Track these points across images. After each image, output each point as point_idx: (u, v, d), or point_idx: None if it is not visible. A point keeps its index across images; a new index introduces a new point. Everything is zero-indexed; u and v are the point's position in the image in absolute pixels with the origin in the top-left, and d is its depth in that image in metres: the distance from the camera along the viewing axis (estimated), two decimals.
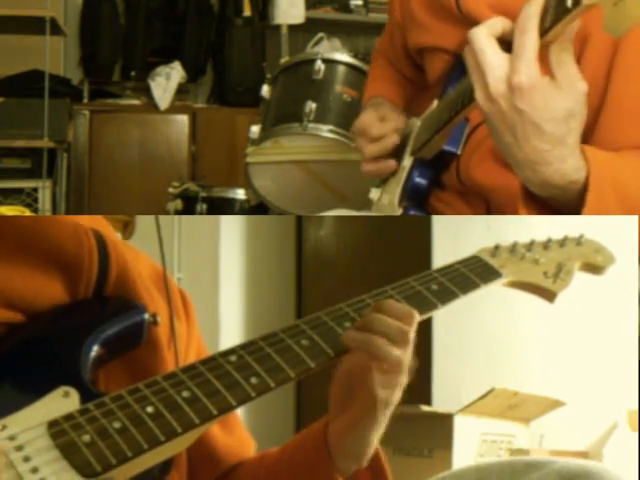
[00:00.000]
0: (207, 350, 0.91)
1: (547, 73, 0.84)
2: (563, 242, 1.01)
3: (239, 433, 0.90)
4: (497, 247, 0.95)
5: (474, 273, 0.89)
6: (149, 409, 0.61)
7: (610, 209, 0.91)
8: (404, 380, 0.73)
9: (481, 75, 0.84)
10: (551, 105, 0.82)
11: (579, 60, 1.00)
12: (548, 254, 0.98)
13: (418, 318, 0.75)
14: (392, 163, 1.31)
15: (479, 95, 0.86)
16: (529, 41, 0.81)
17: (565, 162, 0.87)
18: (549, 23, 0.80)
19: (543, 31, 0.81)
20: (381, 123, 1.33)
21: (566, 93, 0.83)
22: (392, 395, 0.73)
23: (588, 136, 1.03)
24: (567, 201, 0.91)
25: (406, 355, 0.72)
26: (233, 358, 0.67)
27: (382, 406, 0.73)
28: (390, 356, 0.72)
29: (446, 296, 0.83)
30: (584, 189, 0.88)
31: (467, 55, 0.87)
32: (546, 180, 0.88)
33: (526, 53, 0.81)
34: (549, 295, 0.94)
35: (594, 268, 1.00)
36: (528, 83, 0.81)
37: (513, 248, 0.97)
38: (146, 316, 0.76)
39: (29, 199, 3.79)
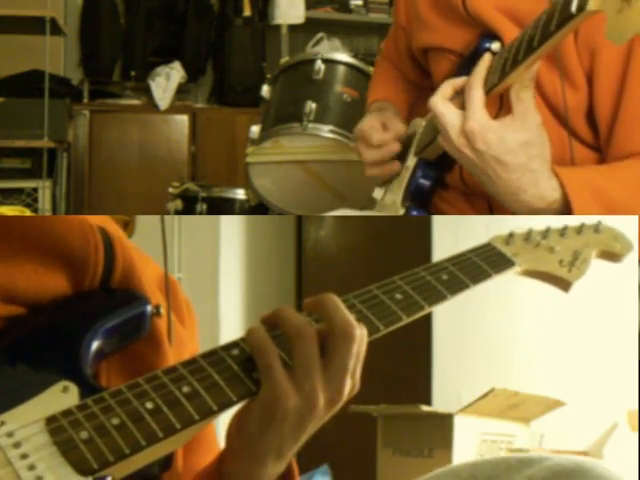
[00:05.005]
0: None
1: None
2: (580, 229, 0.97)
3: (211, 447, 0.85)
4: (511, 234, 0.92)
5: (486, 262, 0.86)
6: (148, 405, 0.60)
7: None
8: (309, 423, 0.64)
9: (445, 133, 0.99)
10: (505, 139, 0.94)
11: (591, 73, 1.05)
12: (564, 241, 0.94)
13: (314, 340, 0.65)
14: (396, 166, 1.33)
15: (449, 150, 1.01)
16: (475, 94, 0.96)
17: (539, 186, 0.97)
18: (509, 68, 0.92)
19: (504, 75, 0.93)
20: (382, 130, 1.34)
21: (520, 126, 0.94)
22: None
23: (606, 144, 1.07)
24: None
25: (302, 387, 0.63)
26: (235, 352, 0.66)
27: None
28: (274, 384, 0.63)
29: (456, 286, 0.81)
30: (567, 206, 0.96)
31: (434, 120, 1.02)
32: (529, 205, 0.98)
33: (473, 103, 0.96)
34: (564, 284, 0.90)
35: (612, 256, 0.96)
36: (478, 127, 0.95)
37: (528, 235, 0.93)
38: (149, 307, 0.74)
39: (29, 199, 3.78)
